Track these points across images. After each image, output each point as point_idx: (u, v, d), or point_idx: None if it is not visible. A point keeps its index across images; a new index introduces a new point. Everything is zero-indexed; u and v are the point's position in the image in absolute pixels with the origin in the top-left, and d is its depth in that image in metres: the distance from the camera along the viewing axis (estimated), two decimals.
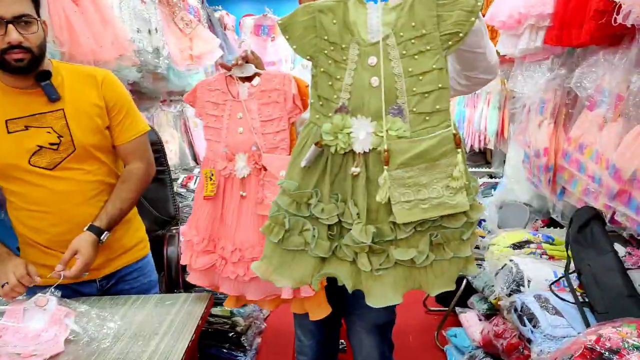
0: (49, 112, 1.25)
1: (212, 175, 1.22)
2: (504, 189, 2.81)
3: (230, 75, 1.23)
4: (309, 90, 1.01)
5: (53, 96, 1.24)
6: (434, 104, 0.93)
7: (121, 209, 1.34)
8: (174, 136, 3.43)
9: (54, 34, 1.81)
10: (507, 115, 3.25)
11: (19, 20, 1.15)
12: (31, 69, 1.21)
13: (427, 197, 0.93)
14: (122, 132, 1.37)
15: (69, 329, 1.08)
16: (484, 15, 3.35)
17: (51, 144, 1.25)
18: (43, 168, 1.26)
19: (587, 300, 1.49)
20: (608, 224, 1.69)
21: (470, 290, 2.20)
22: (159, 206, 1.83)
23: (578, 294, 1.52)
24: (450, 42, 0.92)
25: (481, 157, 4.52)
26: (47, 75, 1.24)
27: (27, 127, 1.23)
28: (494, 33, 2.84)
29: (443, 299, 2.81)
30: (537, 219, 2.46)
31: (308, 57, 0.98)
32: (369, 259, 0.99)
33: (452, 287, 1.03)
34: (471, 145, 3.90)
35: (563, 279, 1.60)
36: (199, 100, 1.26)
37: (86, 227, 1.26)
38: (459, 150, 0.94)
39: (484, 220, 3.01)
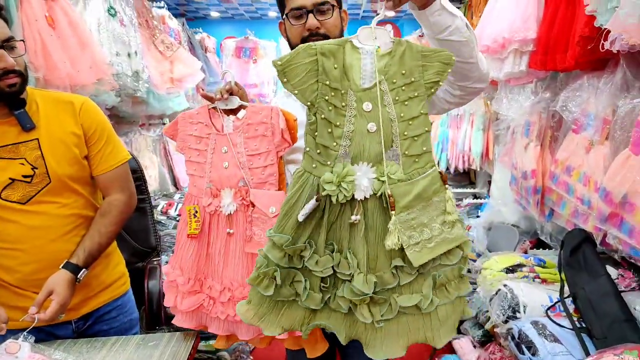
0: (22, 142, 1.18)
1: (197, 212, 1.15)
2: (492, 211, 2.80)
3: (214, 108, 1.18)
4: (305, 137, 0.97)
5: (27, 125, 1.17)
6: (422, 146, 0.98)
7: (100, 244, 1.26)
8: (154, 161, 3.34)
9: (28, 59, 1.74)
10: (492, 136, 3.28)
11: (8, 45, 1.11)
12: (20, 94, 1.15)
13: (431, 236, 0.93)
14: (101, 161, 1.29)
15: None
16: None
17: (24, 176, 1.17)
18: (16, 202, 1.17)
19: (584, 325, 1.46)
20: (599, 246, 1.68)
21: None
22: (138, 237, 1.74)
23: (575, 319, 1.49)
24: (432, 90, 0.98)
25: (465, 177, 4.56)
26: (22, 103, 1.17)
27: None
28: None
29: None
30: (524, 240, 2.45)
31: (308, 104, 0.94)
32: (370, 309, 0.95)
33: (455, 334, 1.02)
34: (455, 167, 3.92)
35: (559, 303, 1.58)
36: (180, 133, 1.21)
37: (62, 265, 1.18)
38: (447, 186, 0.98)
39: (472, 242, 3.01)
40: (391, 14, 4.69)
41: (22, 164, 1.17)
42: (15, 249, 1.18)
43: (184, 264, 1.18)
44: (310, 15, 1.21)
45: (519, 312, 1.59)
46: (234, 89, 1.16)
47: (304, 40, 1.21)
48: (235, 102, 1.17)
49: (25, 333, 1.05)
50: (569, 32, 1.72)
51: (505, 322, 1.60)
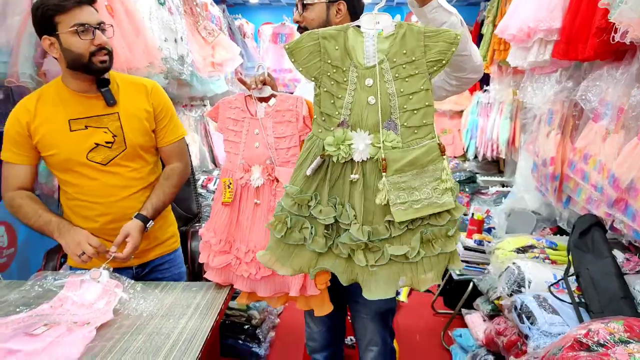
0: (106, 114, 1.41)
1: (230, 184, 1.35)
2: (514, 197, 2.88)
3: (250, 95, 1.37)
4: (314, 107, 1.14)
5: (111, 101, 1.40)
6: (422, 119, 1.09)
7: (164, 202, 1.49)
8: (195, 139, 3.58)
9: None
10: (519, 125, 3.32)
11: (101, 27, 1.34)
12: (107, 71, 1.38)
13: (419, 199, 1.07)
14: (166, 135, 1.52)
15: (117, 297, 1.21)
16: (495, 27, 3.45)
17: (106, 142, 1.40)
18: (98, 163, 1.41)
19: (583, 301, 1.56)
20: (609, 231, 1.76)
21: (476, 293, 2.29)
22: (183, 204, 1.97)
23: (575, 295, 1.60)
24: (434, 68, 1.07)
25: (494, 166, 4.58)
26: (106, 82, 1.41)
27: (86, 127, 1.40)
28: (505, 45, 2.94)
29: (451, 302, 2.89)
30: (544, 227, 2.52)
31: (312, 78, 1.11)
32: (365, 255, 1.12)
33: (439, 282, 1.15)
34: (484, 154, 3.96)
35: (562, 281, 1.68)
36: (220, 116, 1.40)
37: (134, 215, 1.41)
38: (444, 157, 1.09)
39: (494, 228, 3.09)
40: None
41: (105, 132, 1.40)
42: (95, 202, 1.42)
43: (217, 228, 1.38)
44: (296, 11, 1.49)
45: (524, 287, 1.71)
46: (267, 79, 1.35)
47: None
48: (267, 91, 1.35)
49: (104, 264, 1.28)
50: (590, 23, 1.77)
51: (510, 295, 1.72)
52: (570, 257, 1.77)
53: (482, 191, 4.19)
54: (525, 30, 2.19)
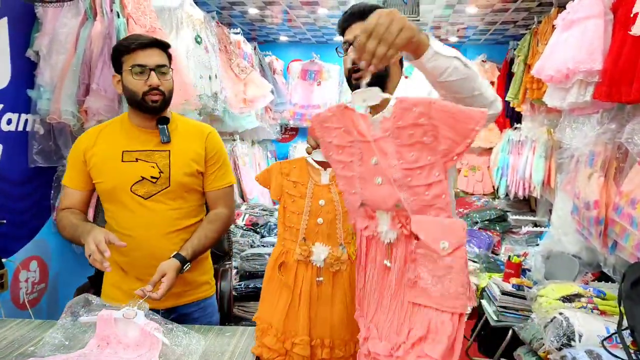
0: (157, 150, 1.44)
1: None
2: (552, 239, 2.76)
3: (348, 106, 0.97)
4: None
5: (164, 139, 1.44)
6: None
7: (204, 246, 1.46)
8: None
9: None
10: (554, 164, 3.24)
11: (159, 70, 1.40)
12: (161, 110, 1.43)
13: None
14: (215, 180, 1.53)
15: (160, 343, 1.14)
16: (526, 66, 3.42)
17: (152, 176, 1.42)
18: (140, 196, 1.42)
19: None
20: None
21: (515, 341, 2.16)
22: None
23: (632, 351, 1.48)
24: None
25: (525, 204, 4.47)
26: (166, 120, 1.46)
27: (137, 160, 1.42)
28: (538, 84, 2.91)
29: (487, 349, 2.74)
30: (587, 272, 2.40)
31: None
32: None
33: None
34: (515, 192, 3.87)
35: (616, 335, 1.57)
36: (321, 140, 1.06)
37: (172, 255, 1.37)
38: None
39: (529, 270, 2.96)
40: (454, 38, 4.76)
41: (153, 167, 1.42)
42: (129, 235, 1.41)
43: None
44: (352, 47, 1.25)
45: (574, 340, 1.60)
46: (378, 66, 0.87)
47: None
48: (376, 94, 0.93)
49: (140, 301, 1.21)
50: (635, 64, 1.74)
51: (559, 349, 1.61)
52: (622, 308, 1.66)
53: (514, 230, 4.06)
54: (564, 72, 2.16)
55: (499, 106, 1.07)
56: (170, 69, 1.45)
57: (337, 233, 1.28)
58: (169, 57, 1.47)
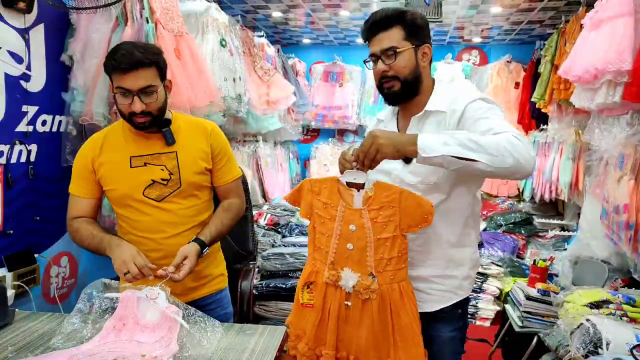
0: (164, 153, 1.47)
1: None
2: (580, 244, 2.69)
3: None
4: None
5: (170, 141, 1.46)
6: None
7: (220, 232, 1.51)
8: (247, 174, 3.66)
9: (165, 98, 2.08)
10: (582, 167, 3.15)
11: (143, 92, 1.37)
12: (152, 126, 1.44)
13: None
14: (223, 175, 1.56)
15: (178, 326, 1.15)
16: (553, 66, 3.35)
17: (162, 179, 1.45)
18: (153, 199, 1.45)
19: None
20: None
21: (540, 347, 2.11)
22: (239, 241, 1.98)
23: None
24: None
25: (552, 207, 4.34)
26: (167, 123, 1.47)
27: (145, 164, 1.45)
28: (566, 84, 2.84)
29: (511, 355, 2.69)
30: (616, 278, 2.33)
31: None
32: None
33: None
34: (541, 195, 3.78)
35: None
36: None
37: (192, 239, 1.42)
38: None
39: (556, 276, 2.89)
40: (478, 39, 4.69)
41: (162, 169, 1.45)
42: (147, 237, 1.45)
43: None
44: (379, 61, 1.31)
45: (601, 348, 1.56)
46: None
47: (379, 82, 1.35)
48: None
49: (161, 284, 1.24)
50: None
51: (586, 357, 1.57)
52: None
53: (540, 234, 3.96)
54: (592, 72, 2.11)
55: (532, 163, 1.11)
56: (158, 86, 1.38)
57: (367, 261, 1.24)
58: (161, 67, 1.40)
